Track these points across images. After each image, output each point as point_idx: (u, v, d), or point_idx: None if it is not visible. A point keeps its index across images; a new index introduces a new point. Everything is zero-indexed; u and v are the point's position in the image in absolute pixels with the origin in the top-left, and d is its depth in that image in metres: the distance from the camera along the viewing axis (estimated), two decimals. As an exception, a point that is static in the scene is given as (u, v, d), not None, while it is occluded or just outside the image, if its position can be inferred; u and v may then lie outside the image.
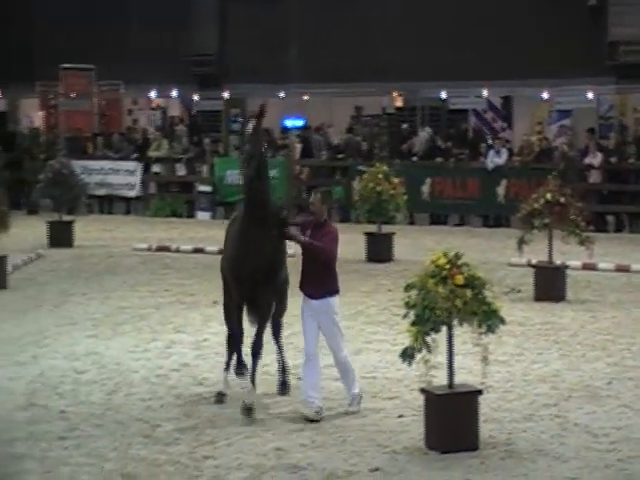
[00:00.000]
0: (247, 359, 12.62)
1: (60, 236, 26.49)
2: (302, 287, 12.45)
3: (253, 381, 12.61)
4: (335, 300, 12.43)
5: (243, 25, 41.16)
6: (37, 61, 39.80)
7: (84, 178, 30.32)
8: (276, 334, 13.59)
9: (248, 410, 12.25)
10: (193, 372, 14.52)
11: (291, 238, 12.38)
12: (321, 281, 12.31)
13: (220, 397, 13.02)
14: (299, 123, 38.44)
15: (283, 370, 13.52)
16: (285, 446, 11.41)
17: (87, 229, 28.26)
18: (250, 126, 12.98)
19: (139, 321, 17.39)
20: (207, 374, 14.39)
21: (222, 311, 13.38)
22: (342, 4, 38.89)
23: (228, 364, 13.12)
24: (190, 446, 11.47)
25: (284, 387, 13.42)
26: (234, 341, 12.98)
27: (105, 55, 38.84)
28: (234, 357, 12.86)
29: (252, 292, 12.64)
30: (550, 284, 19.27)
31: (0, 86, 41.00)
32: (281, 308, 13.46)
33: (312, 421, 12.01)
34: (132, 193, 33.69)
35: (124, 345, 16.00)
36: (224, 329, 16.49)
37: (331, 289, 12.39)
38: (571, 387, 13.49)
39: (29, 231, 26.93)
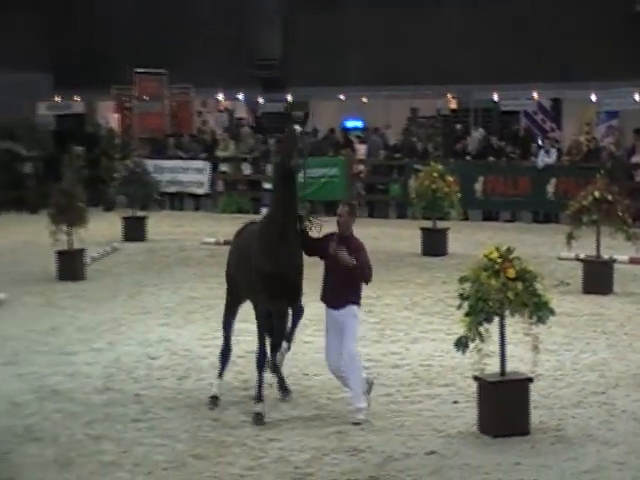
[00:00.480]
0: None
1: (134, 231, 26.68)
2: (323, 298, 12.02)
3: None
4: (356, 308, 11.95)
5: (305, 31, 41.26)
6: (113, 66, 40.06)
7: (156, 176, 30.53)
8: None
9: (258, 416, 11.75)
10: (254, 357, 14.52)
11: (339, 259, 11.68)
12: (346, 292, 11.83)
13: (214, 401, 12.37)
14: (358, 124, 38.43)
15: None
16: (345, 429, 11.42)
17: (159, 224, 28.40)
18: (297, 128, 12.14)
19: (208, 310, 17.43)
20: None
21: (224, 319, 12.87)
22: (399, 11, 38.85)
23: (221, 373, 12.66)
24: (255, 429, 11.50)
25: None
26: (226, 353, 12.68)
27: (176, 60, 39.07)
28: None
29: (284, 298, 11.97)
30: (598, 277, 19.13)
31: (78, 90, 41.35)
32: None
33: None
34: (201, 190, 33.82)
35: (194, 333, 16.07)
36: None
37: (353, 300, 11.90)
38: (618, 375, 13.38)
39: (105, 226, 27.12)
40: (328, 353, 11.92)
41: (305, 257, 12.02)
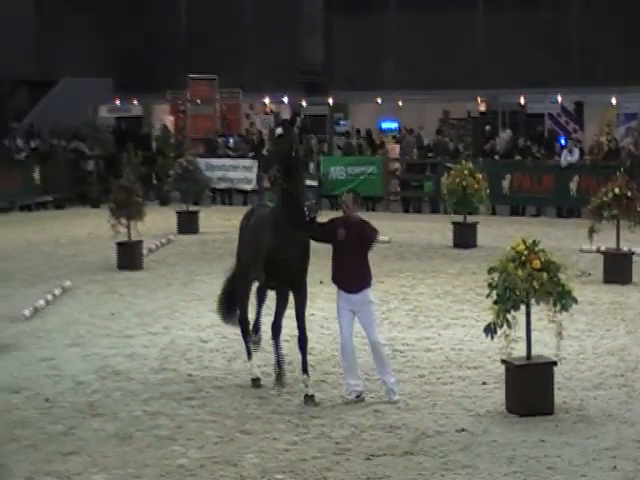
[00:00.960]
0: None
1: (187, 224, 26.77)
2: (338, 282, 11.72)
3: (306, 371, 11.82)
4: (371, 290, 11.77)
5: (345, 39, 41.31)
6: (168, 72, 40.26)
7: (208, 174, 30.62)
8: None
9: (310, 399, 11.61)
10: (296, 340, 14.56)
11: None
12: (359, 275, 11.63)
13: (257, 383, 12.27)
14: (393, 125, 38.41)
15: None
16: (382, 408, 11.44)
17: (210, 218, 28.46)
18: (279, 131, 11.93)
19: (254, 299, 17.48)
20: (313, 344, 14.30)
21: (249, 298, 12.68)
22: (433, 21, 38.78)
23: (249, 353, 12.53)
24: (299, 407, 11.54)
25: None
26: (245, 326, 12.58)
27: (226, 66, 39.19)
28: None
29: (292, 280, 11.90)
30: (618, 268, 19.00)
31: (137, 94, 41.55)
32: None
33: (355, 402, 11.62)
34: (249, 187, 33.84)
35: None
36: (329, 305, 16.60)
37: (368, 281, 11.72)
38: (637, 360, 13.28)
39: (161, 220, 27.21)
40: (341, 332, 11.77)
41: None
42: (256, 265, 12.01)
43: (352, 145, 34.22)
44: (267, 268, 11.81)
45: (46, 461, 9.86)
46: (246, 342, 12.62)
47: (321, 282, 18.78)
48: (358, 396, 11.66)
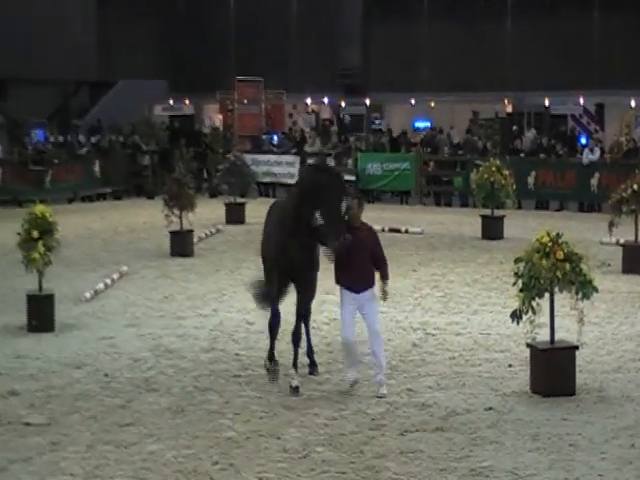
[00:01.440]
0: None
1: (235, 215, 26.83)
2: (345, 282, 11.15)
3: (295, 366, 11.36)
4: (374, 289, 11.28)
5: (382, 44, 41.28)
6: (217, 74, 40.37)
7: (253, 168, 30.67)
8: (307, 319, 12.06)
9: (295, 390, 11.15)
10: (340, 326, 14.53)
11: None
12: (366, 275, 11.15)
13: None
14: (426, 125, 38.32)
15: (311, 351, 12.18)
16: (415, 387, 11.43)
17: (256, 209, 28.34)
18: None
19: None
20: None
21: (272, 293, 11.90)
22: (463, 28, 38.68)
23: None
24: (337, 385, 11.55)
25: (314, 367, 12.08)
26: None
27: (271, 69, 39.26)
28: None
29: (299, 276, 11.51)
30: (636, 259, 18.83)
31: (188, 94, 41.72)
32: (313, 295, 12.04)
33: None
34: (291, 181, 33.73)
35: (285, 302, 16.09)
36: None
37: (373, 280, 11.24)
38: (654, 345, 13.23)
39: (210, 210, 27.27)
40: (344, 327, 11.28)
41: None
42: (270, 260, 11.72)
43: (383, 143, 34.17)
44: (276, 264, 11.52)
45: (105, 431, 9.93)
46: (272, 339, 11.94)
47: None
48: (352, 385, 11.30)
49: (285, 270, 11.48)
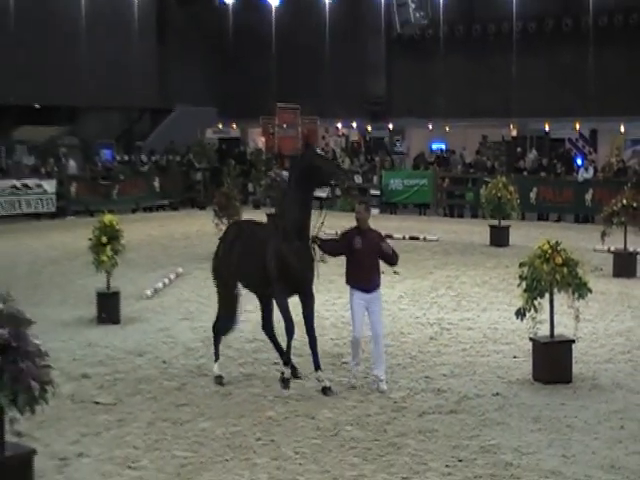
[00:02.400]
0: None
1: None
2: (355, 283, 10.67)
3: (318, 367, 10.69)
4: (380, 290, 10.89)
5: (403, 76, 41.25)
6: (261, 102, 40.46)
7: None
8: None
9: (329, 389, 10.56)
10: (365, 320, 14.49)
11: (384, 248, 10.66)
12: (374, 276, 10.69)
13: (219, 380, 10.96)
14: (441, 146, 38.22)
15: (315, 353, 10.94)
16: (431, 375, 11.39)
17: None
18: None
19: (328, 284, 17.41)
20: (376, 322, 14.40)
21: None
22: (475, 62, 38.60)
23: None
24: (364, 372, 11.50)
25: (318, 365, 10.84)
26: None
27: (307, 97, 39.31)
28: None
29: (304, 288, 10.73)
30: (625, 265, 18.68)
31: (235, 119, 41.87)
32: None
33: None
34: (324, 195, 33.79)
35: (318, 300, 16.00)
36: (388, 291, 16.55)
37: (379, 282, 10.81)
38: (640, 340, 13.12)
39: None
40: (355, 326, 10.79)
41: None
42: (268, 276, 10.61)
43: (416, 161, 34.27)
44: (280, 277, 10.56)
45: (163, 410, 9.96)
46: (216, 345, 11.26)
47: (395, 272, 18.76)
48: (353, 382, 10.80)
49: (290, 283, 10.59)
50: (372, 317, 10.78)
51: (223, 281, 11.24)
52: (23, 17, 37.10)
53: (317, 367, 10.71)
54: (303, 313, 10.85)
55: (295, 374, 11.05)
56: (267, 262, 10.59)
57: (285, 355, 10.86)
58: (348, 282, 10.83)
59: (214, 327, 11.44)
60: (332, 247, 10.94)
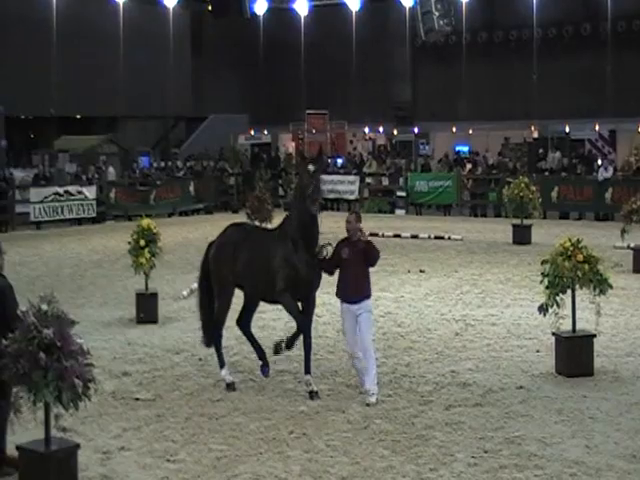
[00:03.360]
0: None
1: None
2: (342, 294, 10.02)
3: (309, 371, 10.32)
4: (370, 301, 10.16)
5: (428, 82, 41.24)
6: (291, 108, 40.56)
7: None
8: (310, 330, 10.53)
9: (315, 394, 10.17)
10: (394, 318, 14.52)
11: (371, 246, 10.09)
12: (361, 287, 9.99)
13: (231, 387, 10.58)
14: (465, 149, 38.07)
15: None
16: (457, 369, 11.34)
17: (323, 221, 28.48)
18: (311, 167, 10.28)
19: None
20: (403, 319, 14.37)
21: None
22: (496, 66, 38.45)
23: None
24: (392, 367, 11.50)
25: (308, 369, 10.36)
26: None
27: (335, 104, 39.35)
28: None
29: (309, 295, 10.33)
30: (645, 261, 18.58)
31: (266, 126, 41.98)
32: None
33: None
34: (352, 197, 33.84)
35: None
36: (415, 289, 16.51)
37: (368, 293, 10.06)
38: (660, 333, 12.99)
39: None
40: (347, 337, 10.15)
41: None
42: (273, 280, 10.22)
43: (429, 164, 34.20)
44: (289, 286, 10.15)
45: (200, 405, 10.00)
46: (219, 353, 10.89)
47: (421, 270, 18.73)
48: (373, 396, 9.93)
49: (298, 291, 10.20)
50: (360, 329, 9.95)
51: (223, 284, 10.75)
52: (64, 32, 37.44)
53: (307, 371, 10.30)
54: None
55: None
56: (274, 269, 10.22)
57: (307, 361, 10.34)
58: (337, 294, 10.18)
59: (209, 334, 10.93)
60: (328, 264, 10.27)
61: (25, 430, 8.06)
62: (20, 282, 17.67)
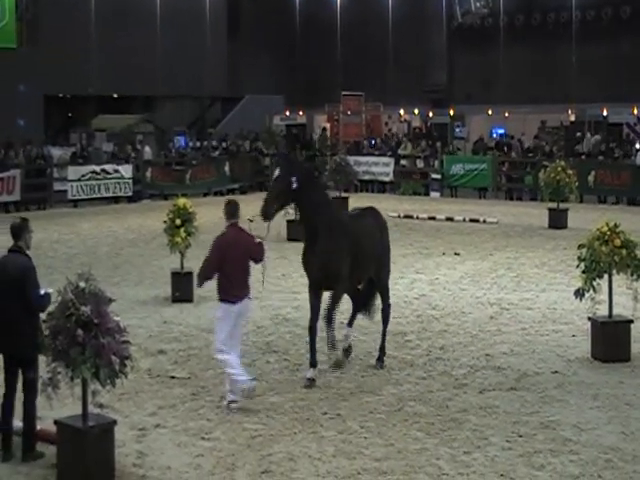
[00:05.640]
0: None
1: (340, 206, 26.68)
2: (230, 294, 9.26)
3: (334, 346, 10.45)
4: (249, 302, 9.56)
5: (463, 64, 40.85)
6: (326, 90, 40.37)
7: (355, 168, 30.51)
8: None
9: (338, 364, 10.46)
10: (428, 300, 14.46)
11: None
12: (246, 285, 9.43)
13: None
14: (501, 132, 37.74)
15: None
16: (492, 353, 11.29)
17: (357, 202, 28.34)
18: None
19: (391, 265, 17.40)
20: (438, 302, 14.29)
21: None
22: (534, 49, 38.01)
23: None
24: (426, 350, 11.47)
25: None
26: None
27: (370, 85, 39.17)
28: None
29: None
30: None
31: (302, 107, 41.86)
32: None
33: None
34: (387, 179, 33.65)
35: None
36: (450, 272, 16.41)
37: (248, 292, 9.47)
38: (698, 320, 12.79)
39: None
40: (221, 336, 9.30)
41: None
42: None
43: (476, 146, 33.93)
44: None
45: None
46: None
47: (457, 253, 18.63)
48: (244, 390, 9.11)
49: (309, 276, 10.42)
50: (234, 330, 9.34)
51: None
52: (102, 12, 37.55)
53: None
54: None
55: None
56: (341, 259, 10.12)
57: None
58: (225, 295, 9.43)
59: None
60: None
61: (63, 406, 8.12)
62: (58, 260, 17.90)
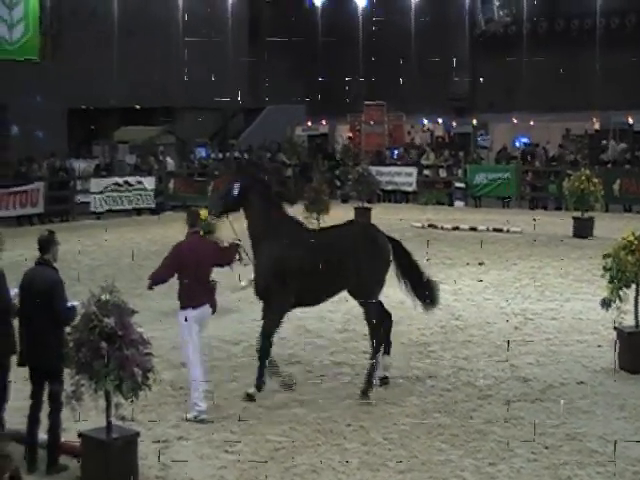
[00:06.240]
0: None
1: (361, 216, 26.64)
2: (193, 301, 9.31)
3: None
4: (209, 308, 9.52)
5: (487, 73, 40.84)
6: (348, 100, 40.48)
7: (378, 178, 30.50)
8: None
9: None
10: (451, 310, 14.37)
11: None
12: (205, 293, 9.47)
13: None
14: (525, 140, 37.62)
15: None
16: (516, 364, 11.24)
17: (380, 212, 28.41)
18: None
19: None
20: (461, 312, 14.23)
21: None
22: (556, 58, 37.95)
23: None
24: (450, 361, 11.43)
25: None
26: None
27: (393, 95, 39.20)
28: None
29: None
30: None
31: (324, 117, 41.96)
32: None
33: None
34: (410, 188, 33.60)
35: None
36: (473, 283, 16.33)
37: (208, 299, 9.49)
38: None
39: (342, 213, 27.07)
40: (186, 347, 9.42)
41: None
42: None
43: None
44: None
45: (257, 396, 10.02)
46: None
47: (480, 263, 18.56)
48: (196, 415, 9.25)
49: None
50: (196, 338, 9.36)
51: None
52: (124, 24, 37.90)
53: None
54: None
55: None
56: (269, 272, 10.16)
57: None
58: (180, 301, 9.54)
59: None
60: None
61: (87, 418, 8.17)
62: (81, 271, 17.99)
